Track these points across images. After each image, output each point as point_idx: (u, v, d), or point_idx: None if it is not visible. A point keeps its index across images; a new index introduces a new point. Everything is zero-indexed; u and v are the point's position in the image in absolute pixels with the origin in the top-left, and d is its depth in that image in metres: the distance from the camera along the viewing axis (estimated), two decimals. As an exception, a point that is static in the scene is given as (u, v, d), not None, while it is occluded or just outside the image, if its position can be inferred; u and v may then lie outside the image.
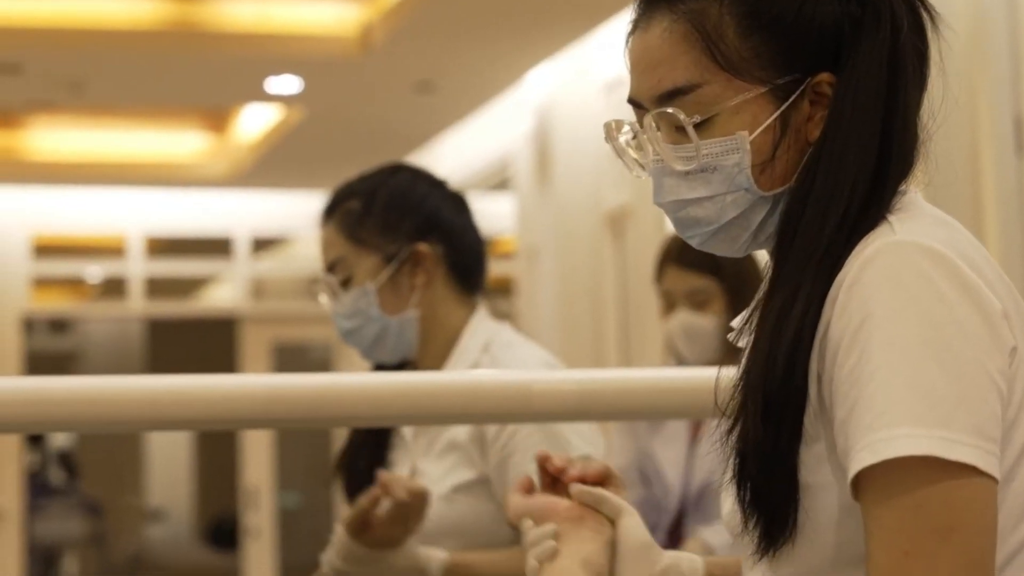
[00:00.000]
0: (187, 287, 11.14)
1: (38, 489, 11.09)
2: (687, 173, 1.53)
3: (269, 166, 8.29)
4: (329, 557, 2.40)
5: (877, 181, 1.50)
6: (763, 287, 1.60)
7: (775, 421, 1.43)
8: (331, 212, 2.58)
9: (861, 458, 1.36)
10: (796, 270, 1.47)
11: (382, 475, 2.36)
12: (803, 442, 1.44)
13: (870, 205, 1.48)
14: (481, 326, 2.57)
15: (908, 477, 1.34)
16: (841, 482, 1.42)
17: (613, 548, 1.62)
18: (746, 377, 1.47)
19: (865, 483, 1.36)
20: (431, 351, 2.57)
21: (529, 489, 1.70)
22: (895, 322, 1.38)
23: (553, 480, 1.69)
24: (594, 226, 6.34)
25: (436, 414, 2.12)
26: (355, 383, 2.10)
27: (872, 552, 1.38)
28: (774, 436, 1.43)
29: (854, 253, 1.44)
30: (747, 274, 3.38)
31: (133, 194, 9.13)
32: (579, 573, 1.58)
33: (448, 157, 7.91)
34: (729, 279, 3.45)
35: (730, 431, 1.48)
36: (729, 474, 1.49)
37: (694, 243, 1.58)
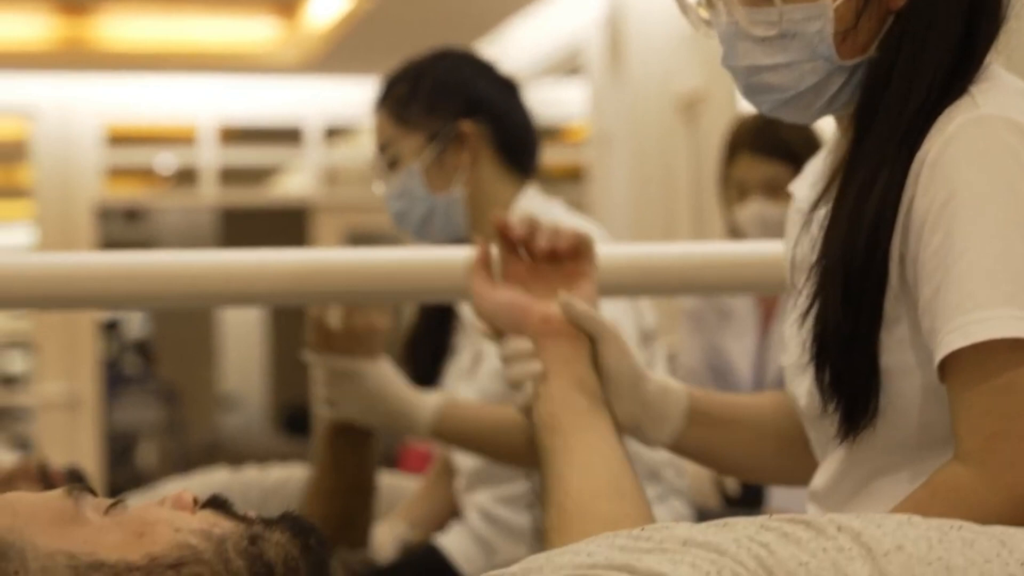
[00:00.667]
0: (259, 176, 11.17)
1: (114, 377, 11.22)
2: (764, 39, 1.48)
3: (341, 52, 8.25)
4: (318, 394, 2.40)
5: (963, 52, 1.46)
6: (826, 153, 1.57)
7: (856, 303, 1.40)
8: (382, 98, 2.61)
9: (950, 341, 1.33)
10: (878, 146, 1.43)
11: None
12: (883, 325, 1.41)
13: (954, 77, 1.45)
14: (527, 203, 2.56)
15: (998, 359, 1.31)
16: (924, 365, 1.40)
17: (599, 371, 1.57)
18: (825, 258, 1.44)
19: (953, 366, 1.34)
20: (482, 230, 2.57)
21: (486, 262, 1.63)
22: (981, 200, 1.35)
23: (511, 248, 1.63)
24: (667, 111, 6.28)
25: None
26: (424, 258, 2.09)
27: (959, 434, 1.35)
28: (854, 318, 1.41)
29: (936, 128, 1.41)
30: None
31: (204, 82, 9.12)
32: (578, 398, 1.54)
33: (519, 43, 7.85)
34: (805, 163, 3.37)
35: (807, 313, 1.46)
36: (806, 357, 1.47)
37: (763, 109, 1.54)
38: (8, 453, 4.96)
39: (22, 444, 8.97)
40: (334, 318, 2.34)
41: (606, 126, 6.82)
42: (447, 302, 2.61)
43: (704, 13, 1.55)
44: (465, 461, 2.61)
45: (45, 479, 2.32)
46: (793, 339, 1.54)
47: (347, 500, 2.46)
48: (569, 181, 8.74)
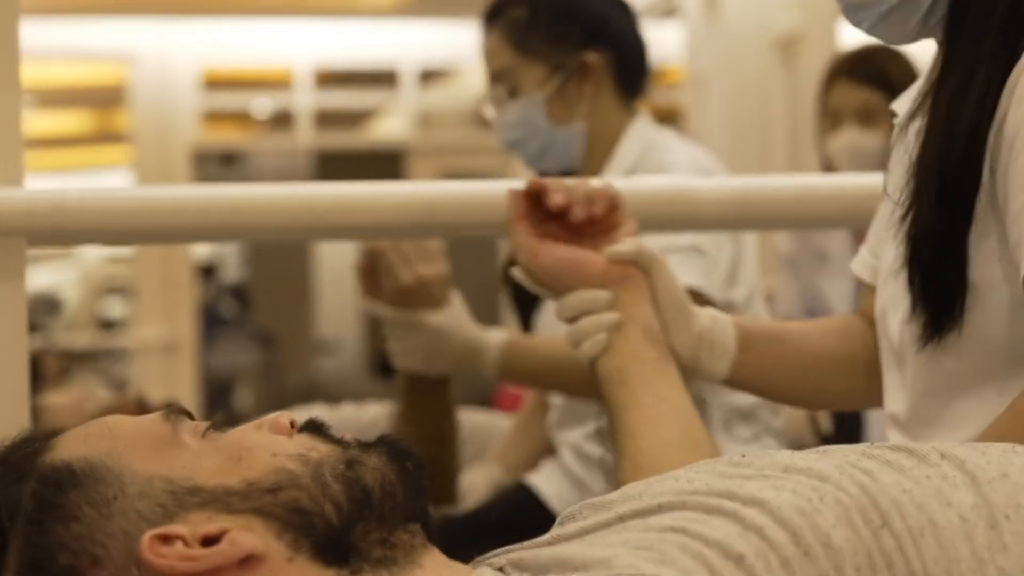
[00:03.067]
0: (355, 119, 11.18)
1: (212, 321, 11.32)
2: None
3: (434, -4, 8.25)
4: (388, 342, 2.36)
5: None
6: (930, 71, 1.54)
7: (951, 202, 1.38)
8: (495, 19, 2.53)
9: None
10: (970, 51, 1.41)
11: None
12: (973, 237, 1.39)
13: None
14: (642, 131, 2.51)
15: None
16: (1013, 280, 1.38)
17: (654, 303, 1.54)
18: (921, 159, 1.42)
19: None
20: (595, 160, 2.53)
21: (527, 214, 1.56)
22: None
23: (544, 212, 1.57)
24: (763, 52, 6.23)
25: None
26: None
27: None
28: (949, 217, 1.38)
29: None
30: None
31: (299, 25, 9.14)
32: (648, 348, 1.51)
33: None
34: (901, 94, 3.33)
35: (904, 217, 1.44)
36: (899, 262, 1.45)
37: (863, 27, 1.51)
38: (107, 392, 5.02)
39: (120, 386, 9.09)
40: (385, 265, 2.30)
41: (701, 67, 6.77)
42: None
43: None
44: (557, 398, 2.59)
45: (143, 413, 2.34)
46: (886, 246, 1.52)
47: (430, 451, 2.44)
48: (665, 123, 8.68)
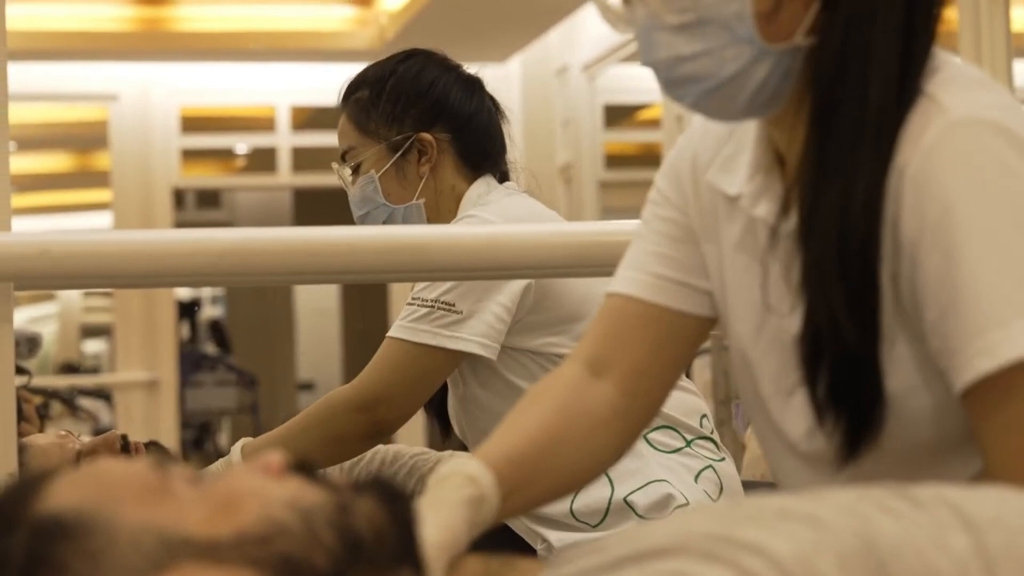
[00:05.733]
0: (335, 159, 11.20)
1: (193, 360, 11.29)
2: (682, 26, 1.40)
3: (413, 37, 8.27)
4: None
5: (911, 36, 1.39)
6: (753, 145, 1.50)
7: (859, 316, 1.36)
8: (345, 100, 2.63)
9: (976, 364, 1.29)
10: (846, 150, 1.37)
11: None
12: (884, 345, 1.38)
13: (910, 65, 1.39)
14: (473, 192, 2.57)
15: None
16: (931, 383, 1.36)
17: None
18: (814, 277, 1.39)
19: (982, 387, 1.30)
20: None
21: None
22: (977, 212, 1.30)
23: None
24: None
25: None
26: (494, 234, 2.09)
27: (991, 457, 1.32)
28: (860, 331, 1.36)
29: (908, 137, 1.34)
30: None
31: (280, 67, 9.17)
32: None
33: (592, 25, 7.83)
34: None
35: (802, 336, 1.41)
36: (791, 379, 1.44)
37: (686, 103, 1.46)
38: (88, 436, 4.99)
39: (100, 426, 9.05)
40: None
41: (680, 108, 6.78)
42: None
43: (620, 11, 1.49)
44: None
45: (127, 453, 2.33)
46: (771, 365, 1.50)
47: None
48: (643, 162, 8.70)
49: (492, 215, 2.46)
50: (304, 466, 1.20)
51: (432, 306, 2.40)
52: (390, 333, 2.43)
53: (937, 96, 1.36)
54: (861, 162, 1.35)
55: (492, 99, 2.66)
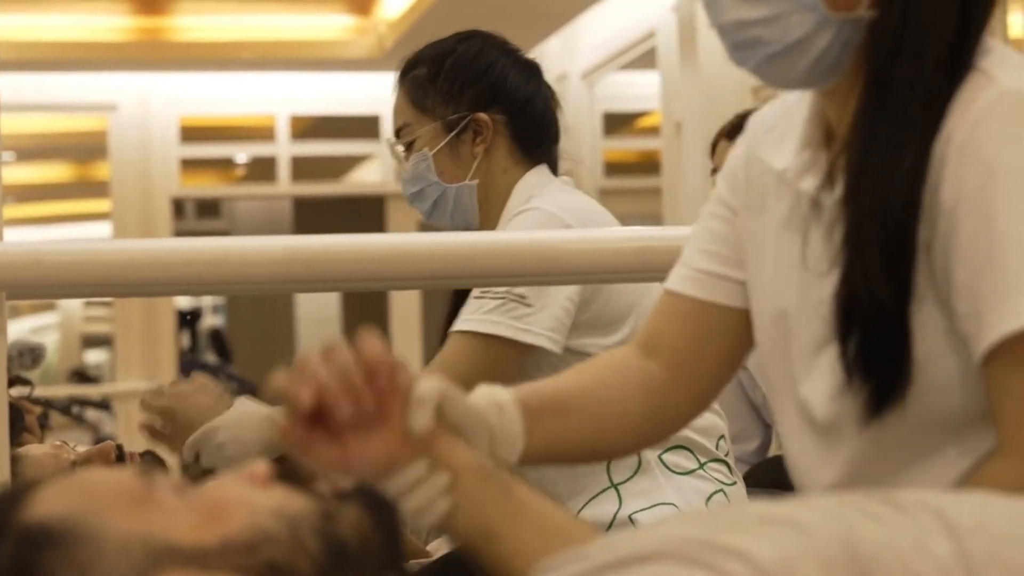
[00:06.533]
0: (335, 168, 11.20)
1: (192, 369, 11.29)
2: None
3: (412, 45, 8.26)
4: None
5: (969, 16, 1.43)
6: (803, 121, 1.53)
7: (893, 276, 1.38)
8: (402, 77, 2.63)
9: (1001, 323, 1.31)
10: (897, 119, 1.40)
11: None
12: (913, 308, 1.39)
13: (965, 42, 1.42)
14: (527, 182, 2.56)
15: None
16: (957, 348, 1.37)
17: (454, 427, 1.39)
18: (855, 234, 1.40)
19: (1002, 349, 1.31)
20: (491, 216, 2.60)
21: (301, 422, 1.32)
22: (1020, 178, 1.32)
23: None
24: (740, 99, 6.25)
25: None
26: (492, 241, 2.10)
27: (1002, 423, 1.33)
28: (892, 292, 1.38)
29: (959, 108, 1.37)
30: None
31: (279, 76, 9.18)
32: (490, 488, 1.36)
33: (592, 33, 7.83)
34: None
35: (836, 293, 1.42)
36: (823, 338, 1.45)
37: (748, 67, 1.50)
38: (86, 442, 4.99)
39: (100, 435, 9.05)
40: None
41: (678, 114, 6.79)
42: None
43: None
44: None
45: (122, 463, 2.33)
46: (805, 325, 1.51)
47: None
48: (642, 169, 8.71)
49: (556, 208, 2.45)
50: (290, 474, 1.20)
51: (504, 298, 2.38)
52: (458, 327, 2.39)
53: (989, 70, 1.39)
54: (910, 129, 1.38)
55: (548, 87, 2.66)
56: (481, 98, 2.58)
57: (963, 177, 1.34)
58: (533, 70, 2.65)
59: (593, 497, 2.43)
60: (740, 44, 1.48)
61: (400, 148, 2.62)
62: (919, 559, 1.08)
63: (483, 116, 2.57)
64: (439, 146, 2.57)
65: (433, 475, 1.33)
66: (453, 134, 2.57)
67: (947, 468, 1.41)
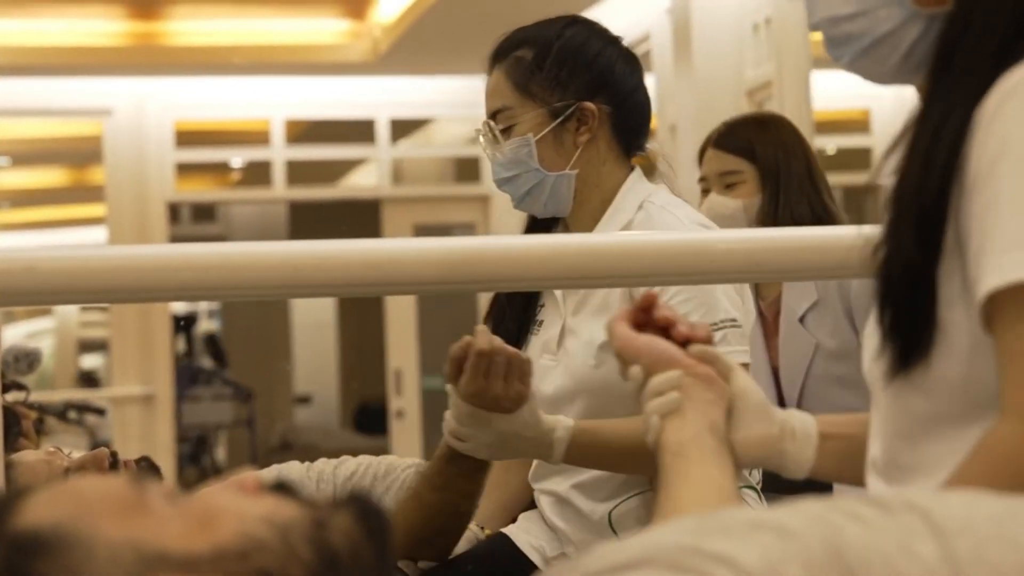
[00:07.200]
0: (330, 172, 11.21)
1: (189, 374, 11.29)
2: None
3: (407, 48, 8.27)
4: (447, 419, 2.36)
5: None
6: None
7: (925, 235, 1.41)
8: (501, 58, 2.57)
9: (988, 281, 1.33)
10: (951, 90, 1.44)
11: (478, 328, 2.34)
12: (942, 272, 1.41)
13: (1022, 33, 1.45)
14: (637, 186, 2.55)
15: None
16: (973, 320, 1.39)
17: (733, 399, 1.61)
18: (898, 192, 1.45)
19: (995, 307, 1.34)
20: (586, 210, 2.56)
21: (630, 320, 1.65)
22: None
23: (644, 325, 1.65)
24: (735, 102, 6.25)
25: (600, 275, 2.12)
26: (489, 246, 2.10)
27: (1002, 385, 1.35)
28: (922, 250, 1.41)
29: (998, 84, 1.41)
30: (783, 163, 3.39)
31: (274, 80, 9.18)
32: (708, 438, 1.56)
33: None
34: (764, 164, 3.45)
35: (878, 250, 1.46)
36: (873, 298, 1.48)
37: (844, 63, 1.56)
38: (82, 448, 4.99)
39: (97, 440, 9.06)
40: (476, 365, 2.26)
41: (673, 117, 6.80)
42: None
43: None
44: None
45: (116, 470, 2.33)
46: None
47: (444, 520, 2.45)
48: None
49: (687, 220, 2.50)
50: (280, 484, 1.21)
51: (726, 326, 2.39)
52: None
53: None
54: (959, 100, 1.42)
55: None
56: (589, 86, 2.53)
57: (983, 151, 1.38)
58: (635, 61, 2.62)
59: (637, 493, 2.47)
60: (834, 40, 1.55)
61: (496, 130, 2.55)
62: (905, 561, 1.08)
63: (590, 105, 2.52)
64: (543, 132, 2.52)
65: (675, 391, 1.56)
66: (558, 122, 2.52)
67: (950, 450, 1.42)
